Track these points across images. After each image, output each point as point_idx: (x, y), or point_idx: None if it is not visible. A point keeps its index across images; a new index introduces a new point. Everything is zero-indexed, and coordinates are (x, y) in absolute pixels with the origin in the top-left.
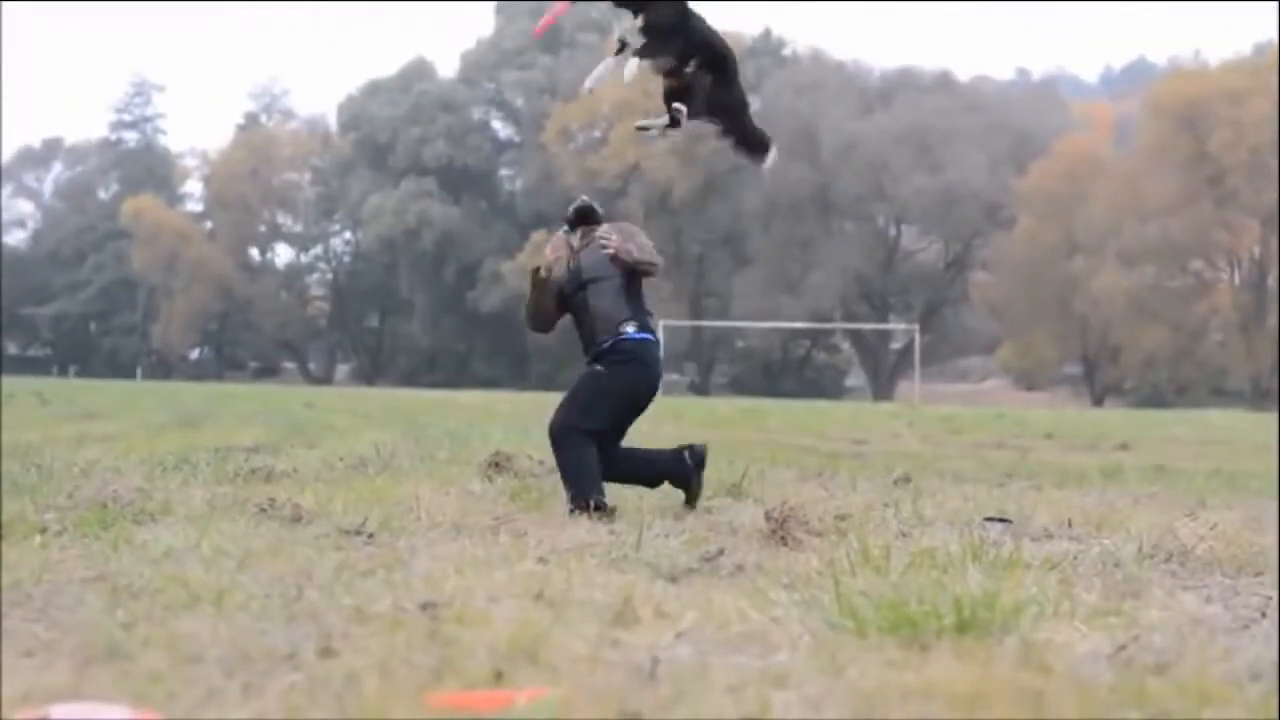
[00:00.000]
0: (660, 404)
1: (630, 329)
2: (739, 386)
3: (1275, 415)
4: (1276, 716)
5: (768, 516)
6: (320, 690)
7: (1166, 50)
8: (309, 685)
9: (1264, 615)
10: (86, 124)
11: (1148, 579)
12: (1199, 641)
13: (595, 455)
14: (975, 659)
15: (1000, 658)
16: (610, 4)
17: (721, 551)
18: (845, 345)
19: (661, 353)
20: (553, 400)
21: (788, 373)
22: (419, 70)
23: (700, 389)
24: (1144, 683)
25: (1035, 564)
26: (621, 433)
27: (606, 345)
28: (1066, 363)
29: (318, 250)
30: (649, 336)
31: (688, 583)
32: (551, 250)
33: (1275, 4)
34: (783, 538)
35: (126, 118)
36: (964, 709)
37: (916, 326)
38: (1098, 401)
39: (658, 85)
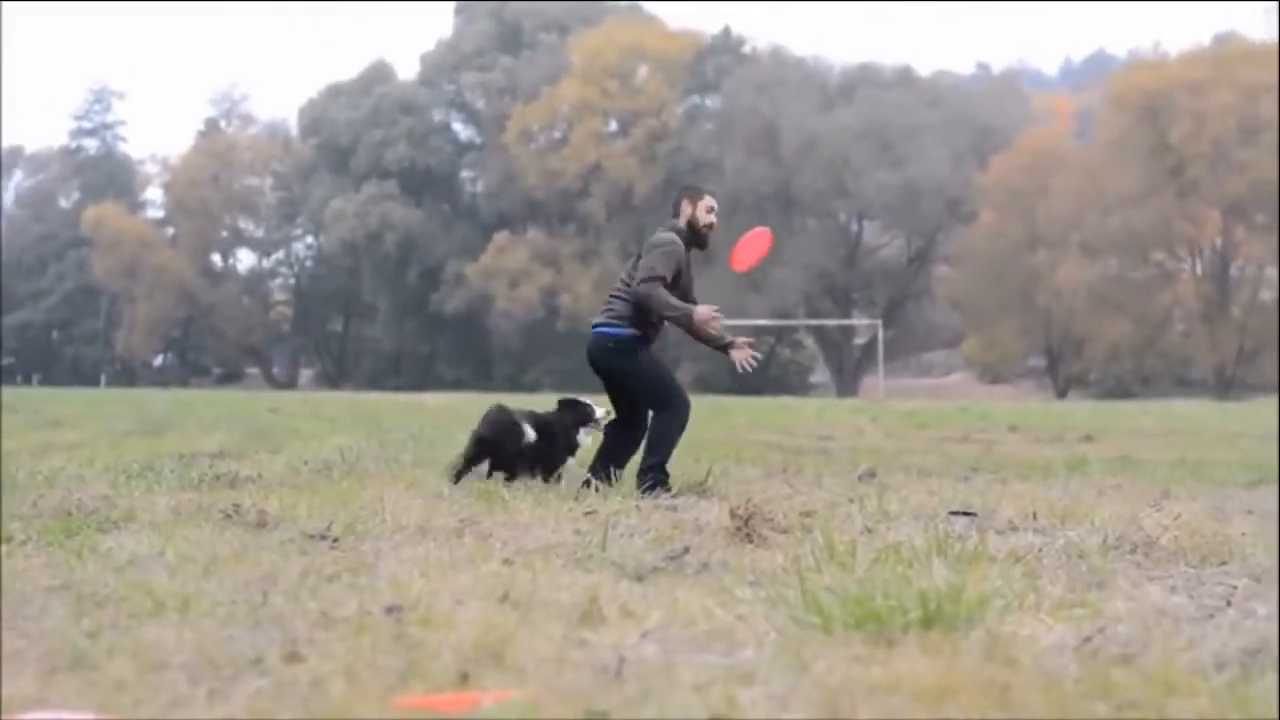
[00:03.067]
0: None
1: None
2: (704, 384)
3: (1240, 404)
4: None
5: (733, 514)
6: (286, 695)
7: (1126, 42)
8: (275, 690)
9: (1228, 604)
10: (47, 132)
11: (1112, 570)
12: (1164, 632)
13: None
14: (941, 653)
15: (966, 651)
16: None
17: (687, 550)
18: (809, 342)
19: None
20: (517, 402)
21: (754, 369)
22: (379, 73)
23: None
24: (1109, 674)
25: (1000, 557)
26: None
27: None
28: (1030, 355)
29: (280, 255)
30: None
31: (653, 581)
32: None
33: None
34: (748, 535)
35: (87, 125)
36: (930, 703)
37: (880, 322)
38: (1062, 394)
39: (614, 86)
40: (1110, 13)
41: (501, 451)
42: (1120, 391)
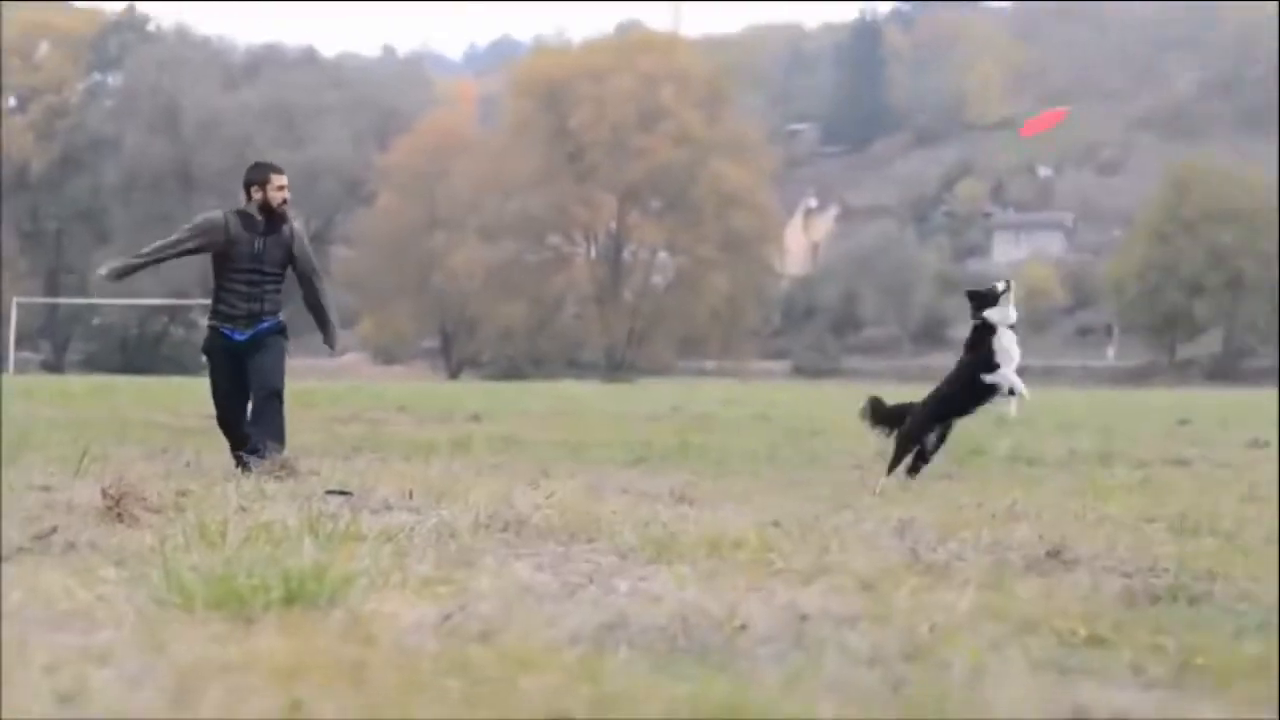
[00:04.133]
0: (10, 382)
1: None
2: (94, 364)
3: (629, 386)
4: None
5: (104, 494)
6: None
7: (531, 28)
8: None
9: (591, 581)
10: None
11: (481, 548)
12: (526, 609)
13: None
14: (300, 631)
15: (326, 629)
16: None
17: (55, 529)
18: (204, 321)
19: None
20: None
21: (144, 349)
22: None
23: (54, 366)
24: (467, 651)
25: (372, 536)
26: None
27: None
28: (426, 337)
29: None
30: None
31: (18, 561)
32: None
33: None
34: (119, 515)
35: None
36: (284, 681)
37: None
38: (454, 374)
39: (14, 63)
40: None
41: None
42: (513, 373)
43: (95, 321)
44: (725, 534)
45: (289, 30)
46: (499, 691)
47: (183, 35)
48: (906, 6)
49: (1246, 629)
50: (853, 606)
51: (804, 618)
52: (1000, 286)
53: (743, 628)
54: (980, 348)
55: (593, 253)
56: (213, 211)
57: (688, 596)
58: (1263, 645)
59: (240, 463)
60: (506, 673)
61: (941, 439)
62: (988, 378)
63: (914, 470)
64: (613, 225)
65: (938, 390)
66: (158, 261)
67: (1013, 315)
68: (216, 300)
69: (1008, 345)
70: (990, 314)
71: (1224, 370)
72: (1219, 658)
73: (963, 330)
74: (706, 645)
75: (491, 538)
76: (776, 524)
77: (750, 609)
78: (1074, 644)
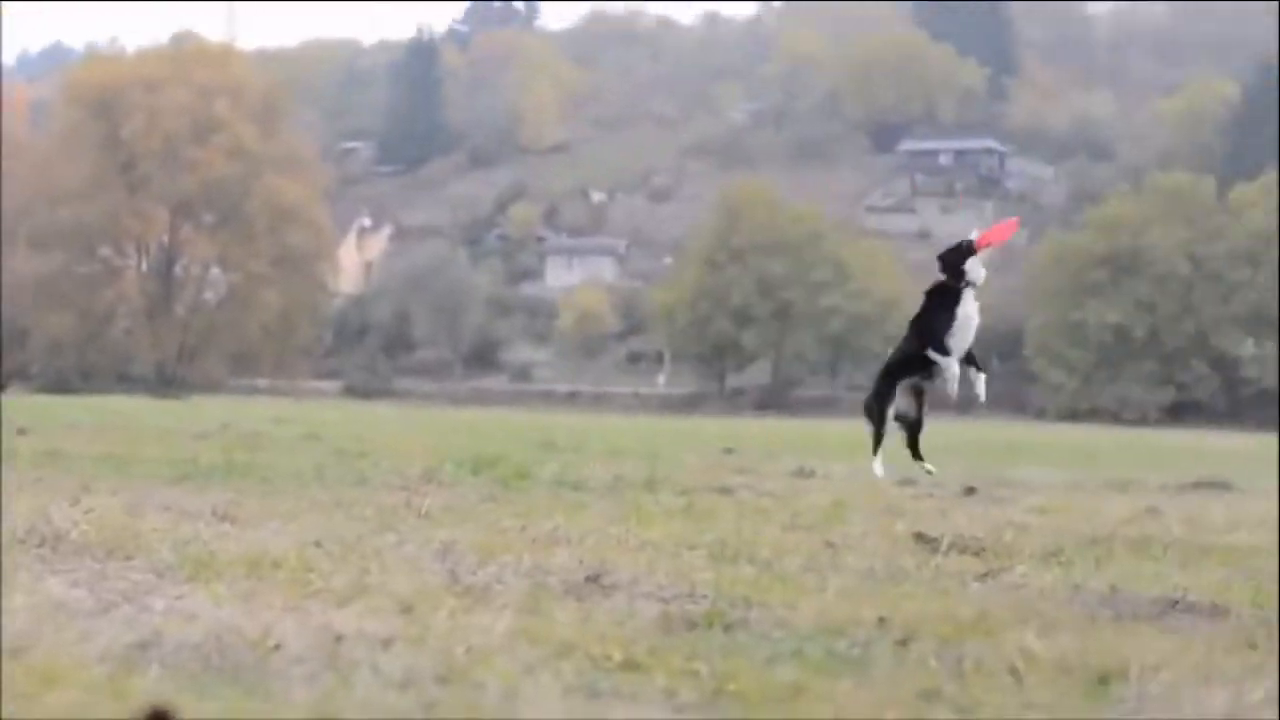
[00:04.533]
0: None
1: None
2: None
3: (179, 402)
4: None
5: None
6: None
7: (84, 35)
8: None
9: (126, 599)
10: None
11: (16, 564)
12: (57, 625)
13: None
14: None
15: None
16: None
17: None
18: None
19: None
20: None
21: None
22: None
23: None
24: None
25: None
26: None
27: None
28: None
29: None
30: None
31: None
32: None
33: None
34: None
35: None
36: None
37: None
38: (1, 387)
39: None
40: (70, 7)
41: None
42: (61, 386)
43: None
44: (265, 553)
45: None
46: (23, 708)
47: None
48: (464, 26)
49: (780, 655)
50: (389, 628)
51: (339, 639)
52: (975, 234)
53: (277, 647)
54: (939, 314)
55: (144, 266)
56: None
57: (223, 615)
58: (794, 671)
59: None
60: (31, 689)
61: (919, 409)
62: (935, 357)
63: (913, 449)
64: (165, 239)
65: (891, 358)
66: None
67: (983, 273)
68: None
69: (970, 312)
70: (969, 269)
71: (772, 400)
72: (751, 683)
73: (514, 354)
74: (239, 665)
75: (28, 553)
76: (318, 544)
77: (285, 629)
78: (608, 668)
